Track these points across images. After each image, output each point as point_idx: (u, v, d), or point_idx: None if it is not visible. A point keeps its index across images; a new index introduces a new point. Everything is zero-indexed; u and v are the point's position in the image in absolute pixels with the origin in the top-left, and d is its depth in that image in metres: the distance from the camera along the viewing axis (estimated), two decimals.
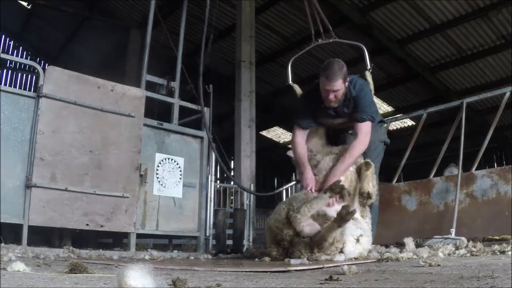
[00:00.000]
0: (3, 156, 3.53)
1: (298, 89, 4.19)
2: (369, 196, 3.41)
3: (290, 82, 4.39)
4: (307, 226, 3.17)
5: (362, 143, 3.52)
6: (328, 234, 3.01)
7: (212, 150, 5.09)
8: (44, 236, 4.28)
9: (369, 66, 4.14)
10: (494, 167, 11.38)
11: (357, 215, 3.36)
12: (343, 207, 2.96)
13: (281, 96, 13.45)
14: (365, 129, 3.54)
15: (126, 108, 4.27)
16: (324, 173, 3.53)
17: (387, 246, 4.19)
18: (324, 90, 3.46)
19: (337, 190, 3.19)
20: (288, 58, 4.70)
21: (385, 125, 4.13)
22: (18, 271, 1.86)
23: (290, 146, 4.11)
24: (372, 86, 3.87)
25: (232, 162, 11.69)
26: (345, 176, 3.47)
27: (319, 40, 4.60)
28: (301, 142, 3.71)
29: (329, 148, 3.74)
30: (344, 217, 2.90)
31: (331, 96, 3.45)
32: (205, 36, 4.76)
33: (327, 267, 2.42)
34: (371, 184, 3.44)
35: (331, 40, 4.58)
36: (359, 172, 3.52)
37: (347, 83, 3.50)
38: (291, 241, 3.19)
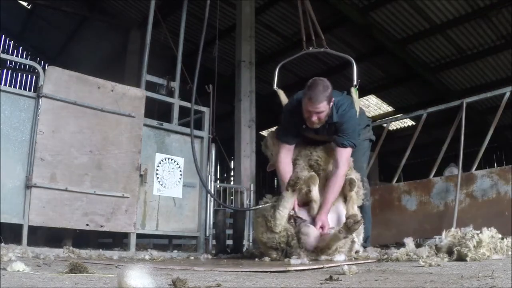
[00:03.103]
0: (3, 156, 3.53)
1: (283, 96, 4.05)
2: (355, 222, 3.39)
3: (275, 87, 4.25)
4: (313, 239, 3.19)
5: (344, 170, 3.47)
6: (333, 244, 3.05)
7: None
8: (45, 236, 4.29)
9: (355, 82, 4.00)
10: (494, 167, 11.38)
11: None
12: (349, 216, 2.99)
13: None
14: (346, 155, 3.47)
15: (126, 108, 4.27)
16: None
17: (387, 246, 4.21)
18: (307, 111, 3.35)
19: (292, 183, 3.20)
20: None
21: (370, 127, 4.11)
22: (18, 271, 1.86)
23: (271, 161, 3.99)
24: (357, 103, 3.76)
25: (232, 162, 11.68)
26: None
27: (310, 48, 4.52)
28: (287, 160, 3.60)
29: (298, 148, 3.71)
30: (351, 227, 2.92)
31: (314, 118, 3.34)
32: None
33: (327, 267, 2.42)
34: (355, 208, 3.44)
35: (321, 50, 4.52)
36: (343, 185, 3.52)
37: (331, 104, 3.38)
38: (287, 242, 3.20)
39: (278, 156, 3.64)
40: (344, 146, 3.46)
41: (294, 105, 3.58)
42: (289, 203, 3.25)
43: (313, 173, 3.48)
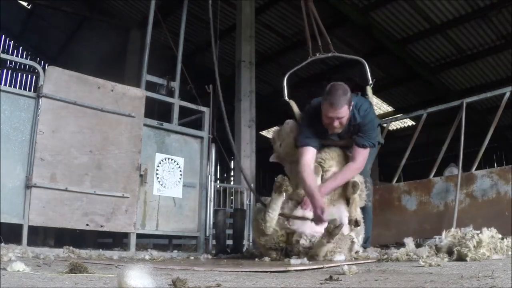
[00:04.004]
0: (3, 156, 3.53)
1: (295, 106, 4.00)
2: (357, 223, 3.33)
3: (286, 98, 4.17)
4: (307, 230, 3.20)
5: (358, 167, 3.44)
6: (319, 250, 3.04)
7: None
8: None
9: (370, 81, 3.99)
10: (494, 167, 11.38)
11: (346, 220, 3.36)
12: (330, 221, 2.96)
13: (281, 96, 13.47)
14: (364, 155, 3.45)
15: (126, 108, 4.27)
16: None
17: (387, 246, 4.21)
18: (327, 117, 3.28)
19: (277, 185, 3.20)
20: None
21: (379, 127, 4.07)
22: (18, 271, 1.86)
23: (274, 152, 3.93)
24: (372, 102, 3.78)
25: (232, 162, 11.69)
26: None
27: (317, 54, 4.43)
28: (310, 166, 3.35)
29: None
30: (332, 232, 2.90)
31: (336, 123, 3.29)
32: (210, 39, 4.71)
33: (327, 267, 2.42)
34: (358, 210, 3.40)
35: (329, 55, 4.43)
36: (346, 186, 3.49)
37: (351, 108, 3.34)
38: (287, 240, 3.21)
39: (301, 163, 3.35)
40: (364, 146, 3.45)
41: (311, 113, 3.49)
42: (277, 205, 3.25)
43: (316, 164, 3.46)
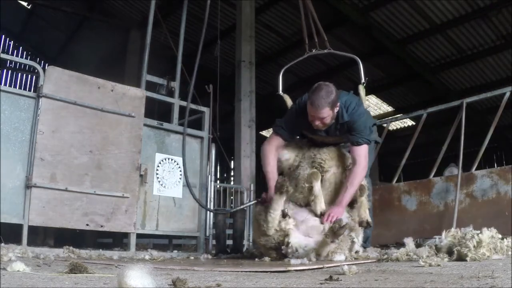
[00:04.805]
0: (3, 156, 3.53)
1: (288, 100, 4.08)
2: (368, 224, 3.35)
3: (280, 92, 4.30)
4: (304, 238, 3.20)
5: (363, 168, 3.44)
6: (322, 249, 3.04)
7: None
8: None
9: (363, 80, 4.02)
10: (494, 167, 11.37)
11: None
12: (335, 221, 2.97)
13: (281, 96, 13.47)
14: (363, 153, 3.45)
15: (126, 108, 4.27)
16: (302, 182, 3.45)
17: (387, 246, 4.21)
18: (310, 115, 3.35)
19: (278, 186, 3.21)
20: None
21: (375, 127, 4.07)
22: (18, 271, 1.86)
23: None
24: (364, 101, 3.80)
25: (232, 162, 11.69)
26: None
27: (313, 51, 4.50)
28: (274, 152, 3.56)
29: (303, 151, 3.68)
30: (336, 232, 2.91)
31: (317, 122, 3.34)
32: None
33: (327, 267, 2.42)
34: (367, 212, 3.42)
35: (325, 51, 4.49)
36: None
37: (337, 108, 3.35)
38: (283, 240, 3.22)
39: (268, 146, 3.57)
40: (359, 144, 3.46)
41: (301, 107, 3.53)
42: (278, 205, 3.25)
43: (314, 169, 3.46)
